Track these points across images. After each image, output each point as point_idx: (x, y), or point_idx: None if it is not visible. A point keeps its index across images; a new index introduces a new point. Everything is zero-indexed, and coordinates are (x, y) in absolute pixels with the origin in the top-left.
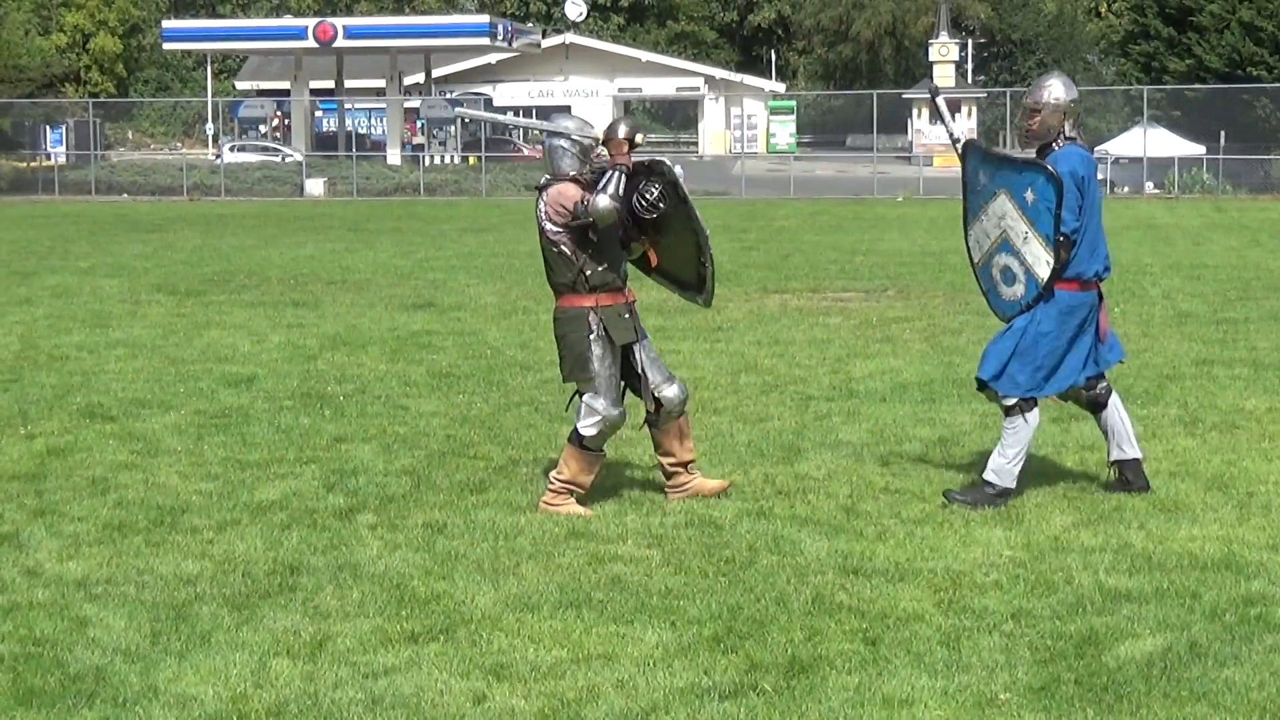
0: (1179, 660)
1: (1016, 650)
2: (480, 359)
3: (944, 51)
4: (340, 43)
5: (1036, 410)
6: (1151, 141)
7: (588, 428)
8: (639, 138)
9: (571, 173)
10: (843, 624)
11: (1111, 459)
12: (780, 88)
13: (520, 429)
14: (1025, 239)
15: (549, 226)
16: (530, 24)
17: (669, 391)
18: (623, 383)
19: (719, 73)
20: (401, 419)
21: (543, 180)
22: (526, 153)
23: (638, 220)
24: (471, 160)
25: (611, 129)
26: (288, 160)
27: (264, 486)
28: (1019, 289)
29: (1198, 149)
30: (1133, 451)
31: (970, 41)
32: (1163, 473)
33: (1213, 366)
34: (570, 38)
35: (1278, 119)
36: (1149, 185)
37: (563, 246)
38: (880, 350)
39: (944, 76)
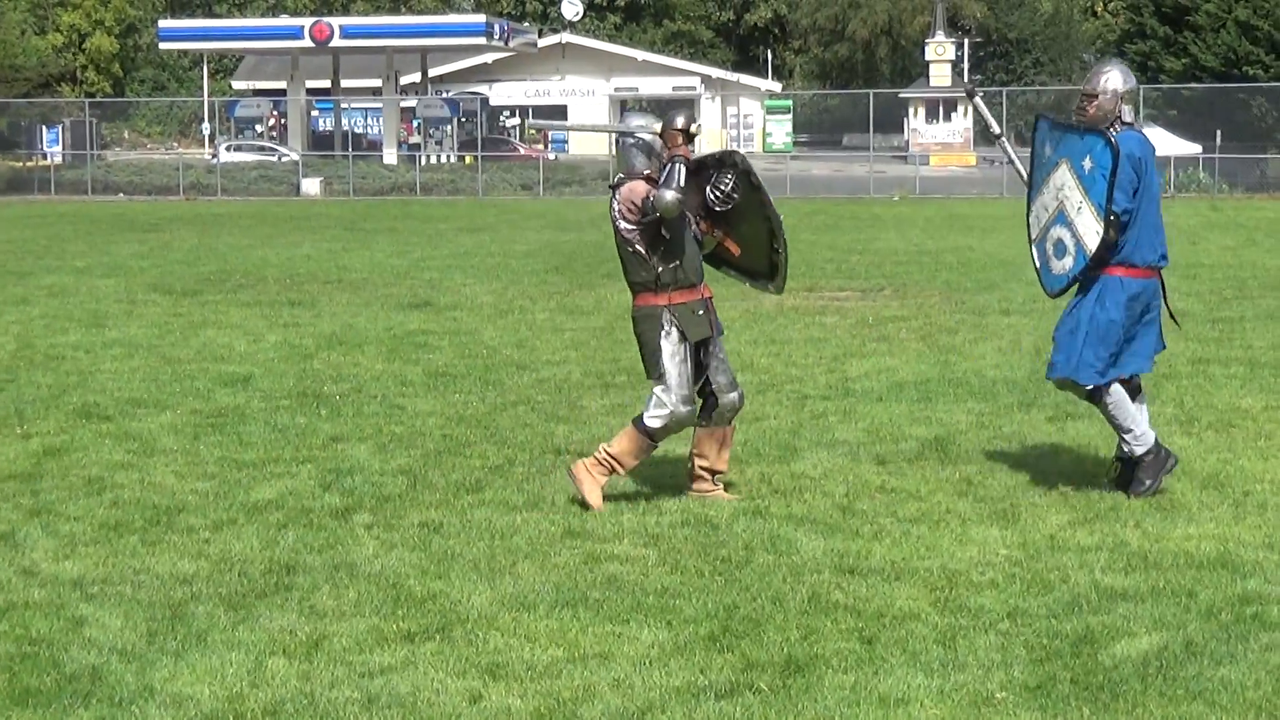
0: (1175, 659)
1: (1012, 649)
2: (476, 358)
3: (940, 51)
4: (336, 42)
5: (1116, 385)
6: None
7: (654, 419)
8: (694, 128)
9: (644, 170)
10: (839, 623)
11: (1119, 456)
12: (776, 87)
13: (516, 428)
14: (1079, 209)
15: (623, 225)
16: (526, 23)
17: (728, 397)
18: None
19: (715, 72)
20: (398, 418)
21: (616, 179)
22: (523, 152)
23: (711, 213)
24: (468, 159)
25: (668, 121)
26: (284, 160)
27: (260, 486)
28: (1068, 261)
29: (1194, 148)
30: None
31: (966, 41)
32: None
33: (1209, 365)
34: (566, 37)
35: (1274, 118)
36: None
37: (637, 245)
38: (876, 349)
39: (940, 76)
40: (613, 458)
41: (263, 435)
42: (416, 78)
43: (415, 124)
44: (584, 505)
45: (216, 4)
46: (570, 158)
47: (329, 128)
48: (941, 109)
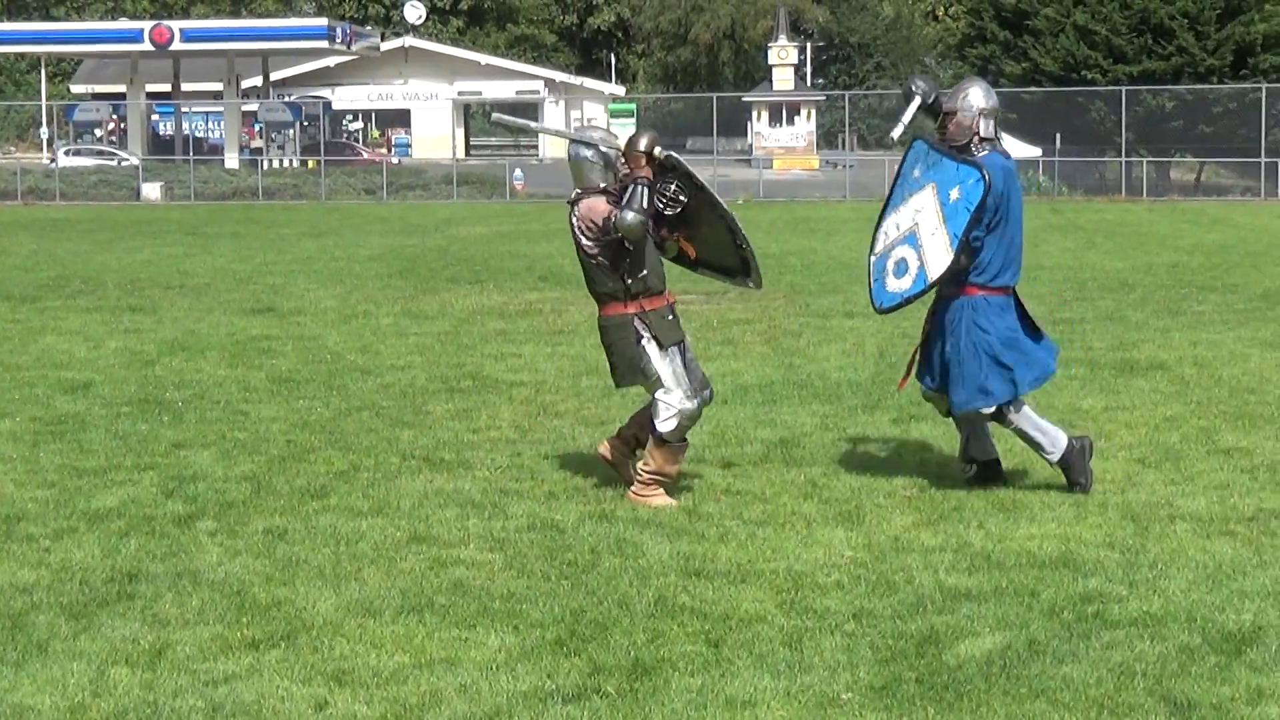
0: (1018, 658)
1: (858, 650)
2: (320, 364)
3: (783, 55)
4: (177, 45)
5: (1021, 400)
6: None
7: (665, 423)
8: (658, 151)
9: (600, 184)
10: (685, 626)
11: (972, 456)
12: (620, 90)
13: (361, 434)
14: (933, 235)
15: (585, 242)
16: (369, 27)
17: (703, 394)
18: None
19: (559, 75)
20: (241, 424)
21: (573, 194)
22: (366, 156)
23: (665, 218)
24: (311, 164)
25: (632, 142)
26: (124, 164)
27: (101, 494)
28: (907, 282)
29: (1034, 151)
30: (994, 452)
31: (809, 45)
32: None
33: None
34: (409, 41)
35: (1112, 122)
36: None
37: (601, 259)
38: (721, 353)
39: (783, 80)
40: (655, 475)
41: (104, 442)
42: (258, 81)
43: (257, 128)
44: (666, 509)
45: (54, 7)
46: (414, 162)
47: (170, 132)
48: (784, 113)
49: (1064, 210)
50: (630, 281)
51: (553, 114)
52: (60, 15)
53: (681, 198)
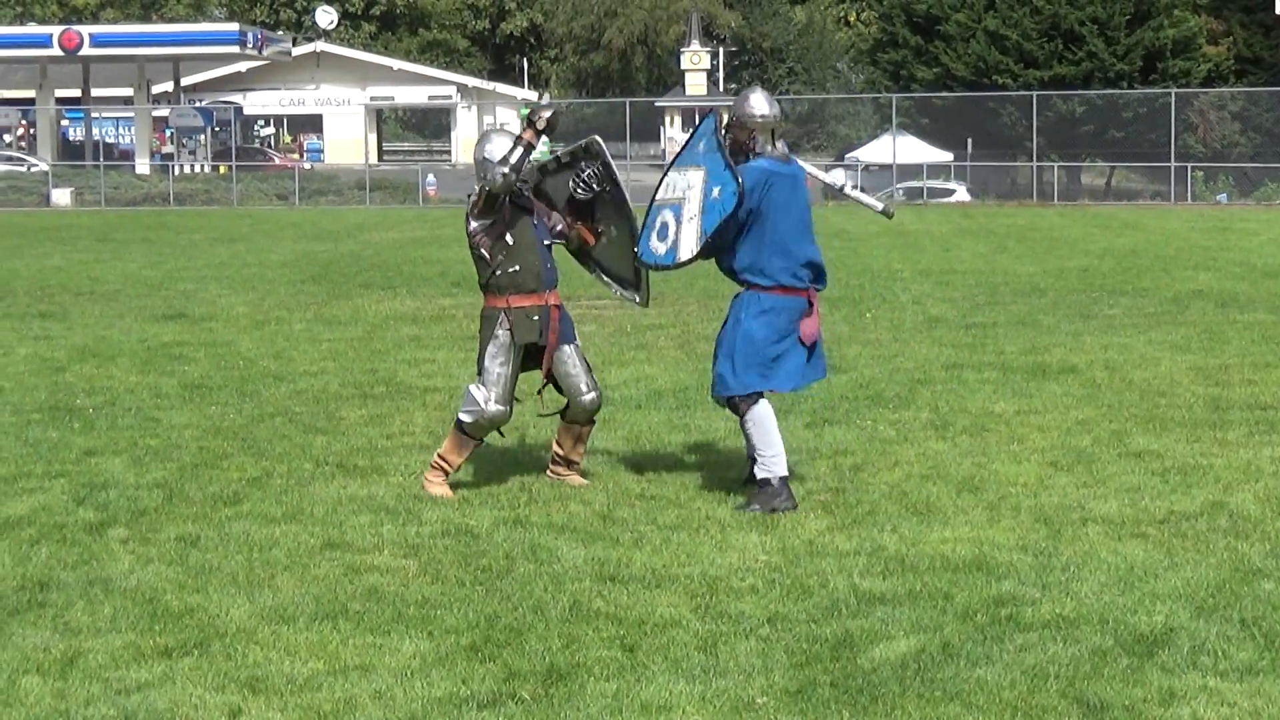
0: (932, 661)
1: (773, 654)
2: (233, 370)
3: (695, 60)
4: (86, 50)
5: (763, 402)
6: (900, 149)
7: (465, 414)
8: (538, 119)
9: None
10: (600, 631)
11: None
12: (533, 96)
13: (274, 440)
14: (691, 219)
15: (472, 225)
16: (280, 32)
17: (582, 400)
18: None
19: (472, 81)
20: (153, 431)
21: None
22: (278, 162)
23: (576, 206)
24: (222, 169)
25: (532, 106)
26: (33, 170)
27: (11, 502)
28: (662, 249)
29: (946, 156)
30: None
31: (721, 50)
32: (914, 476)
33: (962, 370)
34: (321, 46)
35: (1023, 126)
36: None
37: (482, 249)
38: (635, 358)
39: (695, 85)
40: (442, 459)
41: (13, 450)
42: (169, 86)
43: (168, 133)
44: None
45: None
46: (326, 167)
47: (80, 137)
48: (697, 117)
49: (975, 215)
50: (499, 274)
51: (465, 119)
52: None
53: (595, 185)
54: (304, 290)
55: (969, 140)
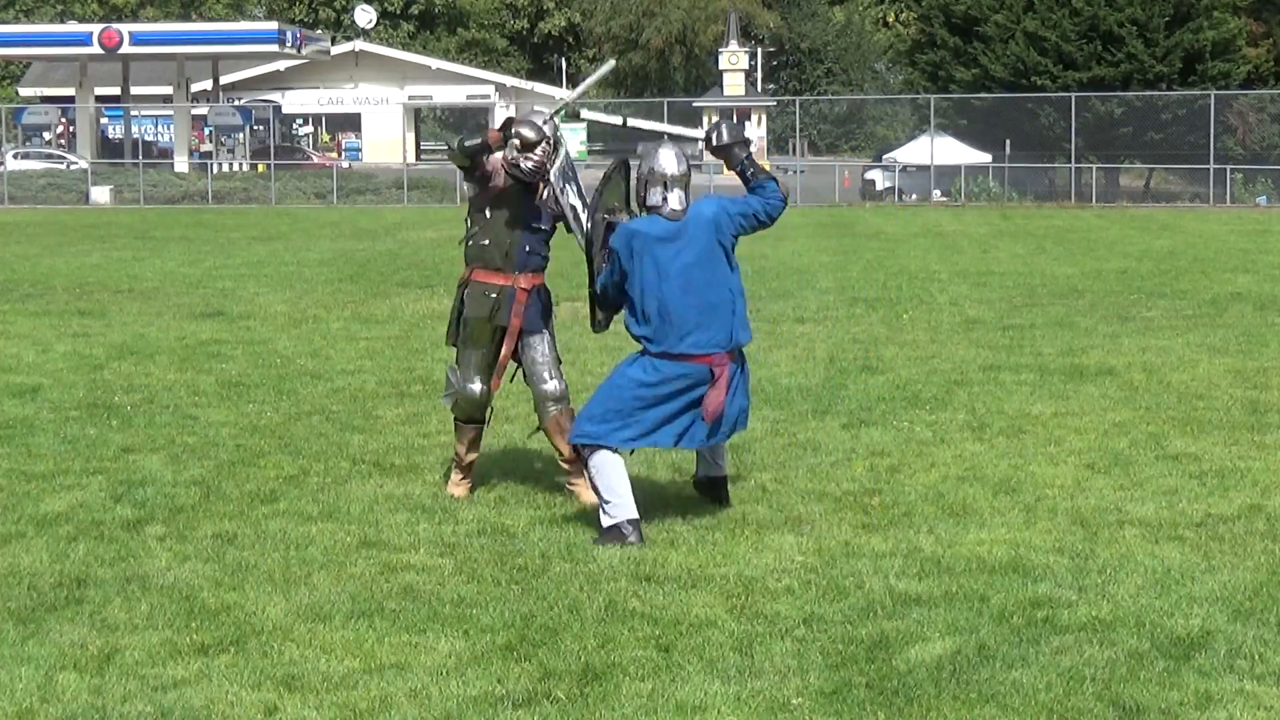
0: (968, 663)
1: (808, 655)
2: (270, 368)
3: (734, 60)
4: (126, 49)
5: (603, 453)
6: (938, 150)
7: (444, 399)
8: (518, 132)
9: None
10: (635, 631)
11: (700, 475)
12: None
13: (311, 438)
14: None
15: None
16: (319, 31)
17: (544, 387)
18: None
19: (510, 80)
20: (190, 429)
21: None
22: (316, 160)
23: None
24: (260, 168)
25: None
26: (73, 168)
27: (50, 498)
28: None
29: (984, 157)
30: (717, 470)
31: (760, 50)
32: (951, 477)
33: (1000, 372)
34: (360, 45)
35: (1061, 127)
36: (936, 193)
37: (466, 218)
38: None
39: (734, 85)
40: (455, 454)
41: (52, 447)
42: (208, 85)
43: (207, 132)
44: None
45: (2, 10)
46: (364, 166)
47: (119, 135)
48: (735, 118)
49: (1014, 216)
50: (469, 245)
51: (503, 118)
52: (8, 18)
53: (519, 170)
54: (341, 289)
55: (1007, 141)
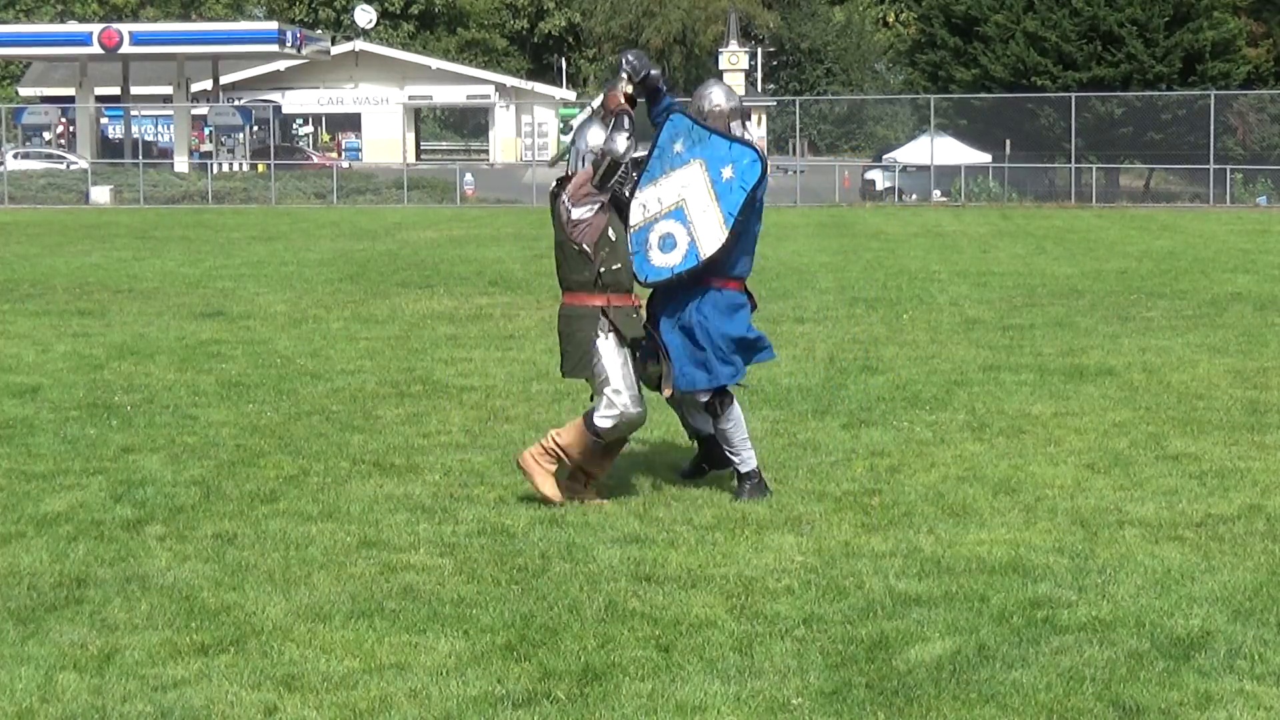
0: (968, 663)
1: (808, 655)
2: (270, 368)
3: (734, 60)
4: (126, 49)
5: (736, 403)
6: (938, 150)
7: (604, 419)
8: (625, 89)
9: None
10: (635, 631)
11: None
12: (571, 95)
13: (311, 438)
14: (704, 212)
15: (576, 213)
16: (319, 31)
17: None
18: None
19: (510, 80)
20: (190, 429)
21: (556, 183)
22: (316, 160)
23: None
24: (260, 168)
25: (610, 88)
26: (73, 168)
27: (50, 498)
28: (675, 257)
29: (984, 157)
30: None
31: (760, 50)
32: (951, 477)
33: (1000, 372)
34: (360, 45)
35: (1061, 128)
36: (936, 193)
37: (584, 244)
38: None
39: (734, 85)
40: (560, 448)
41: (52, 446)
42: (208, 85)
43: (207, 132)
44: (544, 500)
45: (2, 10)
46: (364, 166)
47: (119, 135)
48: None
49: (1014, 216)
50: (603, 271)
51: (503, 118)
52: (8, 18)
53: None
54: (341, 289)
55: (1007, 141)
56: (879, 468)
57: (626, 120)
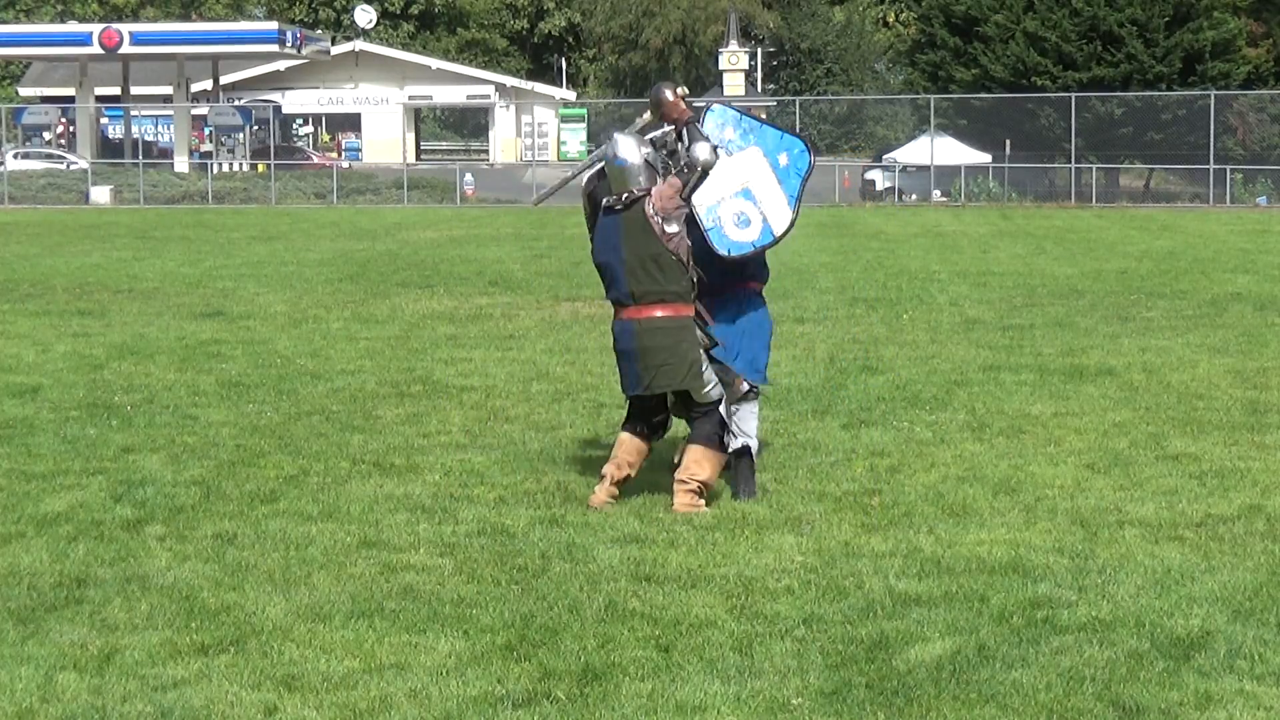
0: (968, 663)
1: (808, 655)
2: (270, 368)
3: (734, 60)
4: (126, 49)
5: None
6: (938, 150)
7: (720, 432)
8: (681, 90)
9: (646, 187)
10: (635, 631)
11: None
12: (571, 95)
13: (311, 438)
14: (772, 193)
15: (670, 229)
16: (319, 31)
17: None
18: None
19: (510, 80)
20: (190, 429)
21: (624, 197)
22: (316, 160)
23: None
24: (260, 168)
25: (658, 94)
26: (73, 168)
27: (50, 498)
28: (753, 233)
29: (984, 157)
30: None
31: (760, 50)
32: (951, 477)
33: (999, 372)
34: (360, 45)
35: (1061, 128)
36: (936, 193)
37: (680, 253)
38: None
39: (734, 85)
40: (703, 484)
41: (52, 446)
42: (208, 85)
43: (207, 132)
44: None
45: (2, 10)
46: (364, 166)
47: (119, 135)
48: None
49: (1014, 216)
50: (696, 280)
51: (503, 118)
52: (8, 18)
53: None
54: (341, 289)
55: (1007, 141)
56: (879, 468)
57: (697, 127)
